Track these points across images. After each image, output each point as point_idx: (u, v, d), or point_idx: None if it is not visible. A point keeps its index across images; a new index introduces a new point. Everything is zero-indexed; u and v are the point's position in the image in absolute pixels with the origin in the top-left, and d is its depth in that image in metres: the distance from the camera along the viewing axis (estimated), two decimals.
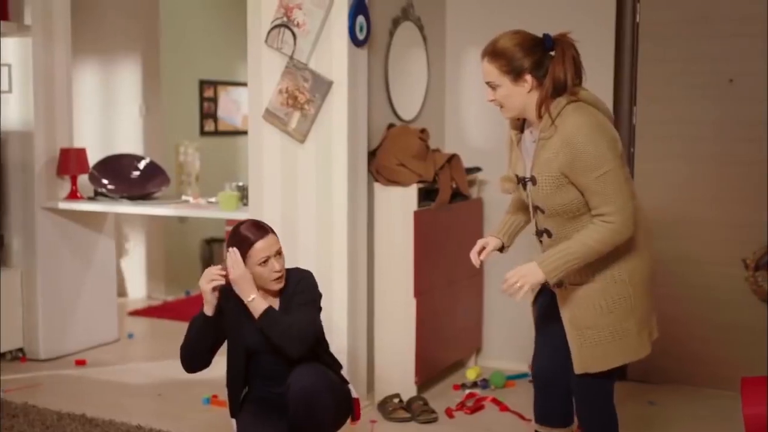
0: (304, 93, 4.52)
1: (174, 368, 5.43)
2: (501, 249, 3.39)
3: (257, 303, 3.30)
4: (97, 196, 5.71)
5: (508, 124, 3.22)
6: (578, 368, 3.05)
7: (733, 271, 4.95)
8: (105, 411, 4.54)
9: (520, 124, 3.17)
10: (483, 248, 3.33)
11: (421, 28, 5.28)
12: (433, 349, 4.93)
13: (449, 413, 4.60)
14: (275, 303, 3.43)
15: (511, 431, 4.35)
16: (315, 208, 4.58)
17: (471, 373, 5.20)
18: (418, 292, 4.76)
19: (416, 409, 4.54)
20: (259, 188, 4.72)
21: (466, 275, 5.24)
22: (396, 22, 5.02)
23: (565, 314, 3.11)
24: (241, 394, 3.52)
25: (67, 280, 5.74)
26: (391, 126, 4.99)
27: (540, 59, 3.00)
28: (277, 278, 3.36)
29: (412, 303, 4.74)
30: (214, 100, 8.34)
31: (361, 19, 4.50)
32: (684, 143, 5.07)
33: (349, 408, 3.52)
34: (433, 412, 4.54)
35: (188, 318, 6.71)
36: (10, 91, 5.52)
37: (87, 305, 5.89)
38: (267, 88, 4.62)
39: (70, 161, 5.58)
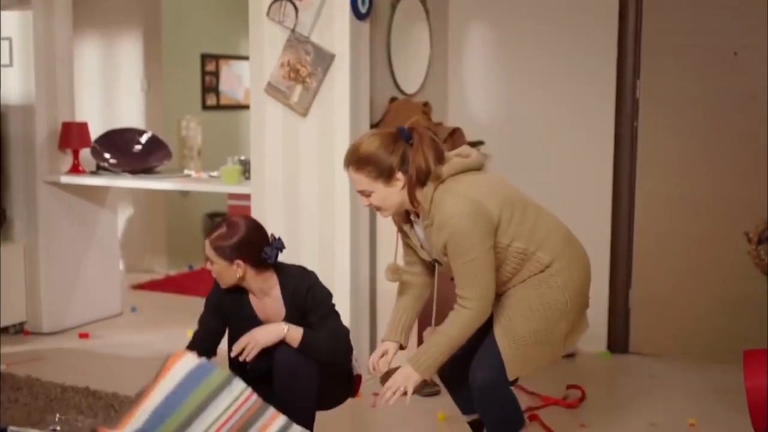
0: (306, 66, 4.50)
1: (177, 341, 5.45)
2: (401, 347, 3.32)
3: (292, 333, 3.25)
4: (99, 170, 5.70)
5: (392, 219, 3.21)
6: (512, 374, 3.02)
7: (736, 245, 4.95)
8: (109, 384, 4.56)
9: (406, 215, 3.16)
10: (383, 354, 3.27)
11: (423, 1, 5.24)
12: (435, 322, 4.92)
13: None
14: (277, 304, 3.37)
15: None
16: (317, 182, 4.57)
17: None
18: None
19: None
20: (261, 162, 4.71)
21: None
22: None
23: (500, 321, 3.08)
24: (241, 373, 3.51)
25: (70, 254, 5.75)
26: (393, 99, 4.97)
27: (404, 153, 2.98)
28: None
29: None
30: (216, 74, 8.31)
31: None
32: (688, 117, 5.05)
33: (349, 384, 3.51)
34: (436, 384, 4.55)
35: (191, 292, 6.77)
36: (10, 64, 5.50)
37: (90, 279, 5.89)
38: (269, 61, 4.60)
39: (72, 135, 5.57)
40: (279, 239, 3.35)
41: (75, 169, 5.62)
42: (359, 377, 3.54)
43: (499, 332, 3.06)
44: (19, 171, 5.55)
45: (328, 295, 3.39)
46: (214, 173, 5.41)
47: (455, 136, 4.99)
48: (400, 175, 2.98)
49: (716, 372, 4.88)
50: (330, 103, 4.49)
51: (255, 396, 3.00)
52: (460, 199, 2.94)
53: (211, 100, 8.26)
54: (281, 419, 3.01)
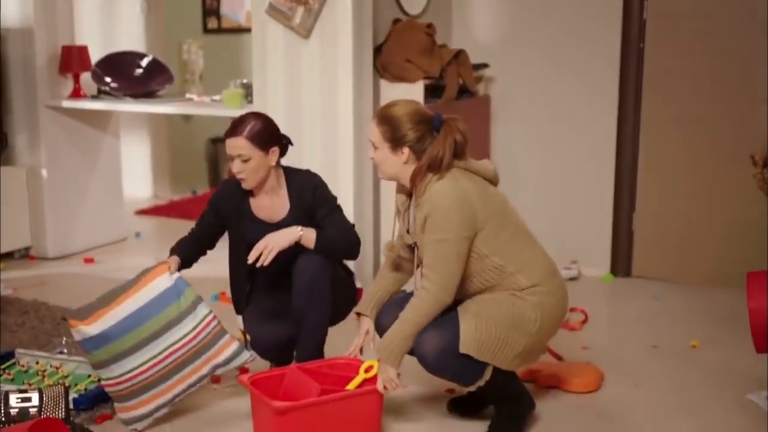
0: None
1: None
2: None
3: (306, 234, 3.30)
4: (100, 94, 5.66)
5: (395, 190, 3.27)
6: (463, 347, 2.99)
7: (741, 167, 4.92)
8: None
9: (408, 190, 3.18)
10: (367, 333, 3.33)
11: None
12: None
13: None
14: (282, 201, 3.43)
15: None
16: (320, 106, 4.54)
17: None
18: None
19: None
20: (263, 85, 4.67)
21: None
22: None
23: (466, 304, 3.09)
24: (245, 291, 3.55)
25: (73, 178, 5.73)
26: (396, 21, 4.91)
27: (422, 136, 3.06)
28: (239, 179, 3.37)
29: None
30: None
31: None
32: (696, 37, 4.97)
33: (354, 298, 3.58)
34: None
35: (194, 217, 6.78)
36: None
37: (93, 204, 5.89)
38: None
39: (72, 59, 5.51)
40: (286, 136, 3.49)
41: (76, 94, 5.58)
42: (360, 290, 3.63)
43: (462, 310, 3.06)
44: (20, 95, 5.51)
45: (334, 197, 3.48)
46: (217, 97, 5.37)
47: (460, 59, 4.94)
48: (406, 150, 3.06)
49: (719, 295, 4.90)
50: (332, 25, 4.43)
51: (215, 322, 3.28)
52: (454, 184, 3.01)
53: (212, 24, 8.16)
54: (234, 346, 3.29)
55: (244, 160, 3.32)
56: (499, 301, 3.05)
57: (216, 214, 3.51)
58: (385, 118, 3.09)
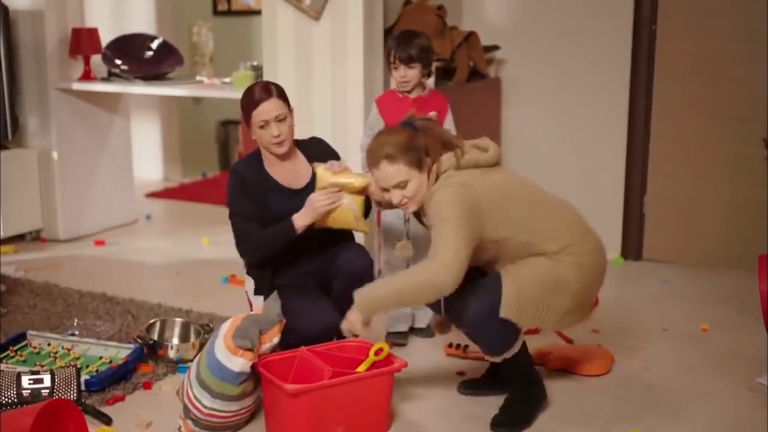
0: None
1: (192, 248, 5.51)
2: None
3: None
4: (110, 76, 5.66)
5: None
6: (504, 312, 3.00)
7: (753, 150, 4.90)
8: (125, 290, 4.60)
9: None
10: None
11: None
12: None
13: None
14: (301, 162, 3.47)
15: None
16: (330, 87, 4.52)
17: None
18: None
19: None
20: (274, 67, 4.66)
21: None
22: None
23: (507, 268, 3.09)
24: (268, 271, 3.51)
25: (84, 161, 5.74)
26: (407, 3, 4.89)
27: (420, 142, 3.09)
28: (276, 143, 3.33)
29: None
30: None
31: None
32: (708, 20, 4.94)
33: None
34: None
35: (205, 199, 6.80)
36: None
37: (104, 186, 5.90)
38: None
39: (83, 41, 5.51)
40: None
41: (86, 76, 5.58)
42: None
43: (504, 274, 3.07)
44: (31, 77, 5.51)
45: None
46: (227, 79, 5.36)
47: (471, 40, 4.92)
48: (429, 161, 3.10)
49: (729, 278, 4.89)
50: (343, 6, 4.42)
51: None
52: (449, 187, 3.01)
53: (222, 6, 8.14)
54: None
55: (281, 119, 3.30)
56: (539, 266, 3.05)
57: (249, 197, 3.39)
58: (401, 147, 3.05)
